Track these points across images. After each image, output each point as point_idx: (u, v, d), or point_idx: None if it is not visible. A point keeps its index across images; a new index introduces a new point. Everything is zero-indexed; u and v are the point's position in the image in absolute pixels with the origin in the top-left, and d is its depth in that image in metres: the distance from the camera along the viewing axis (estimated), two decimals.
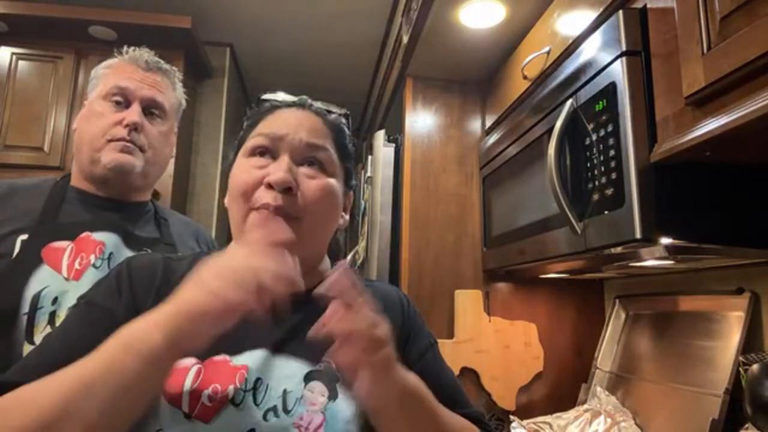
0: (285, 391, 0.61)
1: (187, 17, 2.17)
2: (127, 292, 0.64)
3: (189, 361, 0.61)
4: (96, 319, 0.62)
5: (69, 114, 2.14)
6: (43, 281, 0.86)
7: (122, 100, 0.99)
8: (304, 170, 0.67)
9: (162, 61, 1.06)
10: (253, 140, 0.68)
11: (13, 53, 2.17)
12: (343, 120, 0.76)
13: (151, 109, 1.01)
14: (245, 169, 0.67)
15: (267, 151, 0.68)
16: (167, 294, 0.66)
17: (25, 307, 0.84)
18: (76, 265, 0.89)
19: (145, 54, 1.04)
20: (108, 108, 0.99)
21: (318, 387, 0.63)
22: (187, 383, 0.59)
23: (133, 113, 0.97)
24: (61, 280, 0.87)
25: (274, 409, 0.60)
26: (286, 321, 0.66)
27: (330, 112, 0.75)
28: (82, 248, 0.91)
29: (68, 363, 0.51)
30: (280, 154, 0.67)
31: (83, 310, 0.64)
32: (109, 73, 1.02)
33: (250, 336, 0.63)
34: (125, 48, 1.05)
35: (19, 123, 2.11)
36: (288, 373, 0.63)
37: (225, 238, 1.54)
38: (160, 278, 0.67)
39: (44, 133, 2.11)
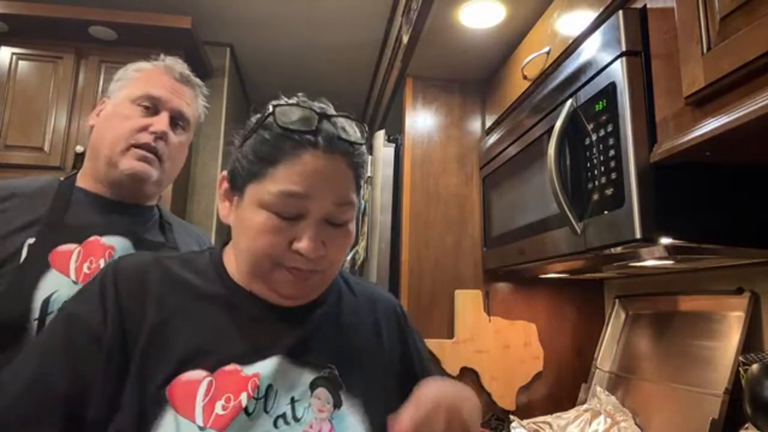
0: (293, 399, 0.62)
1: (187, 17, 2.17)
2: (114, 311, 0.62)
3: (199, 374, 0.60)
4: (78, 341, 0.61)
5: (69, 114, 2.14)
6: (52, 285, 0.85)
7: (151, 106, 0.99)
8: (330, 230, 0.64)
9: (192, 74, 1.07)
10: (278, 199, 0.61)
11: (13, 53, 2.17)
12: (364, 144, 0.68)
13: (177, 120, 1.02)
14: (269, 227, 0.61)
15: (294, 213, 0.62)
16: (171, 299, 0.64)
17: (36, 313, 0.82)
18: (85, 269, 0.88)
19: (178, 65, 1.04)
20: (136, 112, 0.98)
21: (324, 394, 0.63)
22: (200, 396, 0.59)
23: (162, 122, 0.97)
24: (70, 283, 0.86)
25: (283, 416, 0.60)
26: (295, 330, 0.66)
27: (356, 144, 0.66)
28: (91, 252, 0.89)
29: (44, 390, 0.56)
30: (308, 217, 0.62)
31: (64, 328, 0.62)
32: (141, 77, 1.01)
33: (260, 345, 0.63)
34: (161, 56, 1.06)
35: (19, 123, 2.11)
36: (296, 381, 0.63)
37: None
38: (157, 283, 0.65)
39: (44, 133, 2.11)
